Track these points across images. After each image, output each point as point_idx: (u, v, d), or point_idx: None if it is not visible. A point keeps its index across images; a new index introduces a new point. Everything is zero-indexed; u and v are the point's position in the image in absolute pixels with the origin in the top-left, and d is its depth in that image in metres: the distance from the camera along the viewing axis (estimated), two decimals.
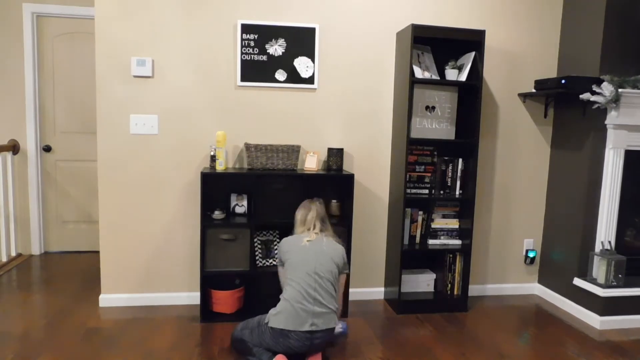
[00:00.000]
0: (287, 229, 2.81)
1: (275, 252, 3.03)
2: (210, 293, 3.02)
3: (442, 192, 3.31)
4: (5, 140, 4.11)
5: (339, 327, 2.67)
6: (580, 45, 3.27)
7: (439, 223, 3.32)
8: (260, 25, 3.11)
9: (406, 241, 3.26)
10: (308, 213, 2.63)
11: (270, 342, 2.33)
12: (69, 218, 4.35)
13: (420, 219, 3.32)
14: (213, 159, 3.04)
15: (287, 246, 2.54)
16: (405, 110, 3.07)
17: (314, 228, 2.59)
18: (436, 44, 3.27)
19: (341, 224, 3.04)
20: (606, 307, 3.07)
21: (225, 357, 2.50)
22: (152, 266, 3.19)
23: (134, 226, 3.14)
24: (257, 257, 3.04)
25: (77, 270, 3.85)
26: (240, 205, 3.11)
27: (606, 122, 3.10)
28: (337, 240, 2.62)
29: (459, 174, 3.29)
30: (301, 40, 3.16)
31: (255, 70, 3.13)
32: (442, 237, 3.33)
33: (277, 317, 2.33)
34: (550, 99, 3.49)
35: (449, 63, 3.17)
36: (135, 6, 3.00)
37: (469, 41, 3.15)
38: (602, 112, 3.10)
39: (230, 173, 2.95)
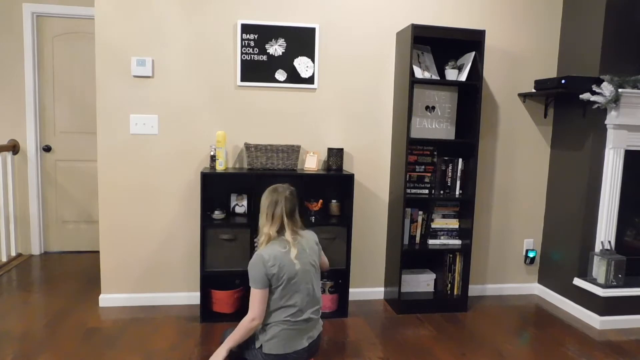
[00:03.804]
0: None
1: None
2: (210, 293, 3.02)
3: (442, 192, 3.31)
4: (5, 140, 4.11)
5: None
6: (580, 45, 3.27)
7: (439, 223, 3.32)
8: (260, 25, 3.11)
9: (406, 241, 3.26)
10: (275, 207, 2.12)
11: None
12: (69, 218, 4.35)
13: (420, 219, 3.32)
14: (213, 159, 3.04)
15: (277, 266, 2.03)
16: (405, 110, 3.07)
17: (284, 229, 2.11)
18: (436, 44, 3.27)
19: (341, 224, 3.04)
20: (606, 307, 3.07)
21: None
22: (152, 266, 3.19)
23: (134, 226, 3.14)
24: None
25: (77, 270, 3.85)
26: (240, 205, 3.11)
27: (606, 122, 3.10)
28: (304, 228, 2.22)
29: (458, 174, 3.29)
30: (301, 40, 3.16)
31: (255, 70, 3.13)
32: (442, 237, 3.33)
33: (272, 343, 2.09)
34: (550, 99, 3.49)
35: (449, 63, 3.17)
36: (135, 6, 3.00)
37: (469, 41, 3.15)
38: (602, 112, 3.10)
39: (230, 173, 2.96)
